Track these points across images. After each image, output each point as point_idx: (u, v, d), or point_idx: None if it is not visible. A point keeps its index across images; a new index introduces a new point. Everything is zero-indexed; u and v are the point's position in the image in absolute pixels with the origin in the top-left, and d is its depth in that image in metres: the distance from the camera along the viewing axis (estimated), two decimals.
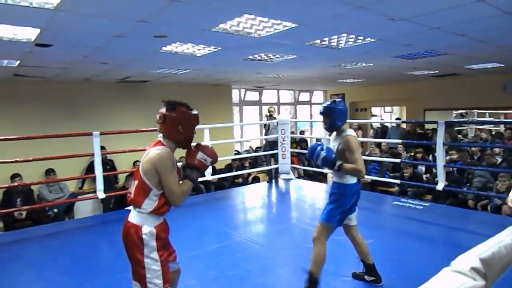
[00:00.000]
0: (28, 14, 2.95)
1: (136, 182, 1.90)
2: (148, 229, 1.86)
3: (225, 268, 3.20)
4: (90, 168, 6.32)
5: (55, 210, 6.08)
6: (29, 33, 3.55)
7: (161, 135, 1.95)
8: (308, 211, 5.31)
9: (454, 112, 11.27)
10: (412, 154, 7.40)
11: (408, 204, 5.23)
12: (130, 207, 1.95)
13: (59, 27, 3.37)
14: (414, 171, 6.79)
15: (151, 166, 1.83)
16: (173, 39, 4.06)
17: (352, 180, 2.65)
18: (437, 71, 7.87)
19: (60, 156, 4.96)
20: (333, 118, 2.65)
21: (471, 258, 0.46)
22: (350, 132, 2.67)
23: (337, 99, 2.80)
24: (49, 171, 6.51)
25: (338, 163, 2.52)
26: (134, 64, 5.65)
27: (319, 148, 2.59)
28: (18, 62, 5.01)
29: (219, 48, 4.59)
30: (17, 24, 3.26)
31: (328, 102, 2.72)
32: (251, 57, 5.42)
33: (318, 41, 4.39)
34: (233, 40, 4.12)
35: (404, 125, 10.77)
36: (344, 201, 2.64)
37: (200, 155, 1.98)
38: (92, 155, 4.91)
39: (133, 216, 1.90)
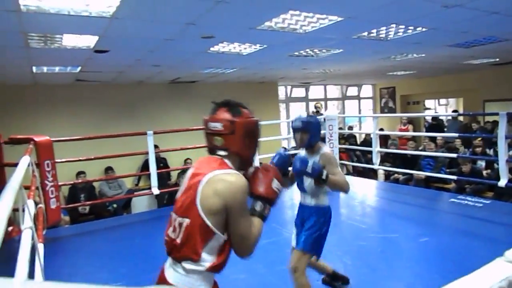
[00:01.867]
0: (88, 23, 3.19)
1: (187, 222, 1.24)
2: None
3: (274, 263, 3.24)
4: (145, 166, 6.68)
5: (115, 205, 6.50)
6: (88, 41, 3.83)
7: (222, 152, 1.36)
8: (357, 208, 5.20)
9: None
10: (472, 149, 6.97)
11: (466, 202, 4.95)
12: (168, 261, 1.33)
13: (115, 33, 3.60)
14: (473, 166, 6.39)
15: (220, 201, 1.21)
16: (220, 39, 4.17)
17: (327, 201, 2.45)
18: (497, 59, 7.33)
19: (118, 155, 5.29)
20: (312, 133, 2.39)
21: None
22: (327, 148, 2.50)
23: (311, 114, 2.61)
24: (108, 169, 6.96)
25: (325, 172, 2.20)
26: (184, 65, 5.87)
27: (302, 157, 2.28)
28: (79, 68, 5.41)
29: (265, 46, 4.64)
30: (79, 33, 3.53)
31: (304, 116, 2.46)
32: (296, 53, 5.41)
33: (365, 33, 4.28)
34: (279, 37, 4.14)
35: (461, 118, 10.17)
36: (323, 226, 2.39)
37: (275, 184, 1.40)
38: (147, 153, 5.18)
39: (178, 276, 1.25)
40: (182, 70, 6.44)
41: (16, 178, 1.67)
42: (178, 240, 1.25)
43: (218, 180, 1.24)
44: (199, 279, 1.24)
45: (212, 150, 1.39)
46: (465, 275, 2.89)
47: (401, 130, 9.33)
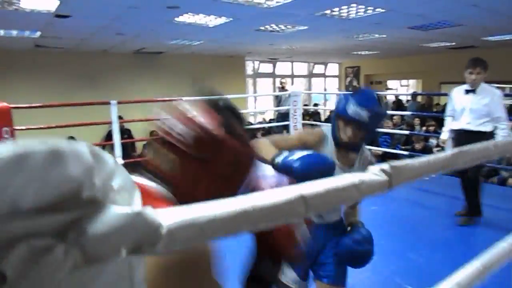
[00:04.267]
0: None
1: None
2: None
3: (244, 238, 3.43)
4: (109, 137, 6.62)
5: None
6: (49, 4, 3.73)
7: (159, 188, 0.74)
8: None
9: None
10: (424, 127, 7.43)
11: None
12: None
13: None
14: (425, 144, 6.84)
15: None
16: (185, 9, 4.17)
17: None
18: (453, 43, 7.73)
19: (81, 124, 5.23)
20: (371, 130, 1.51)
21: (385, 164, 0.61)
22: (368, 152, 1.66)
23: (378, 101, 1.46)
24: (70, 139, 6.84)
25: None
26: (149, 35, 5.79)
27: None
28: (39, 33, 5.22)
29: (231, 18, 4.68)
30: None
31: (374, 99, 1.44)
32: (262, 28, 5.49)
33: (328, 11, 4.42)
34: (244, 10, 4.20)
35: (420, 99, 10.69)
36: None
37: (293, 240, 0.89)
38: (110, 123, 5.15)
39: None
40: (147, 40, 6.35)
41: None
42: None
43: None
44: None
45: None
46: (407, 237, 3.21)
47: None
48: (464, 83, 3.45)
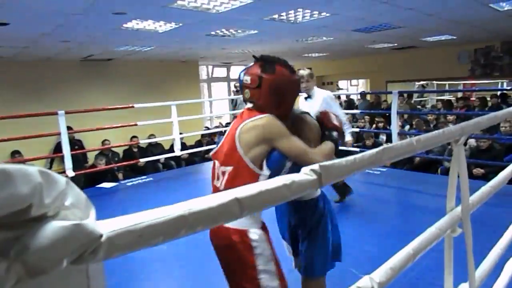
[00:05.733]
0: None
1: (230, 169, 1.41)
2: (257, 232, 1.40)
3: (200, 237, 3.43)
4: (58, 149, 6.32)
5: None
6: None
7: (250, 105, 1.49)
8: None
9: (416, 83, 11.81)
10: (374, 124, 7.81)
11: (367, 170, 5.61)
12: None
13: (14, 4, 3.37)
14: (375, 140, 7.19)
15: (256, 132, 1.38)
16: (133, 16, 4.11)
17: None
18: (396, 44, 8.20)
19: (26, 137, 4.97)
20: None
21: (316, 165, 0.67)
22: None
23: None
24: (15, 153, 6.47)
25: None
26: (96, 42, 5.62)
27: None
28: None
29: (180, 24, 4.67)
30: None
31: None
32: (213, 32, 5.52)
33: (276, 16, 4.55)
34: (193, 16, 4.21)
35: (369, 98, 11.21)
36: (321, 226, 1.74)
37: (336, 119, 1.67)
38: (59, 134, 4.94)
39: None
40: (95, 47, 6.15)
41: None
42: (222, 187, 1.42)
43: (250, 123, 1.41)
44: (248, 219, 1.38)
45: (245, 102, 1.50)
46: (356, 230, 3.35)
47: None
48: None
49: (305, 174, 0.65)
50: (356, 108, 10.19)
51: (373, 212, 3.92)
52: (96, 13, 3.81)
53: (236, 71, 11.87)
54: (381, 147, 0.84)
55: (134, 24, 4.50)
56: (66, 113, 4.91)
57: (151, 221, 0.45)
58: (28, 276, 0.36)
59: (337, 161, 0.71)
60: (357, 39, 6.92)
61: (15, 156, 6.44)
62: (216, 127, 10.20)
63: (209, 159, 7.85)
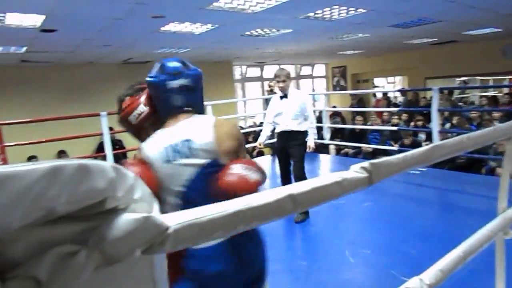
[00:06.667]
0: (33, 1, 3.14)
1: None
2: None
3: None
4: (100, 148, 6.62)
5: None
6: (34, 20, 3.74)
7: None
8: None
9: (457, 79, 11.30)
10: (413, 122, 7.56)
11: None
12: None
13: (62, 12, 3.56)
14: (414, 139, 6.96)
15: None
16: (171, 19, 4.22)
17: None
18: (435, 39, 7.90)
19: (71, 137, 5.22)
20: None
21: (365, 162, 0.67)
22: None
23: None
24: (61, 153, 6.82)
25: None
26: (136, 45, 5.82)
27: None
28: (25, 48, 5.21)
29: (216, 25, 4.74)
30: (23, 11, 3.45)
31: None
32: (248, 33, 5.56)
33: (311, 14, 4.51)
34: (229, 17, 4.26)
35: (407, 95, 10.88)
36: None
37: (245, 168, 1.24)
38: (101, 134, 5.16)
39: None
40: (134, 50, 6.37)
41: None
42: None
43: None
44: None
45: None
46: (395, 231, 3.29)
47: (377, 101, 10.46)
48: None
49: (355, 172, 0.65)
50: (396, 106, 9.92)
51: (412, 212, 3.80)
52: (136, 17, 3.95)
53: (270, 71, 11.89)
54: (431, 145, 0.82)
55: (171, 26, 4.62)
56: (108, 114, 5.11)
57: (213, 215, 0.46)
58: (105, 264, 0.39)
59: (387, 158, 0.71)
60: (394, 35, 6.73)
61: (61, 155, 6.79)
62: (250, 126, 10.28)
63: None
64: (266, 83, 11.25)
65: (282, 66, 3.95)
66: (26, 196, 0.32)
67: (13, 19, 3.66)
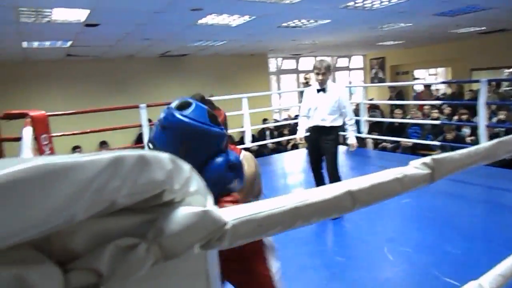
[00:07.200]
0: None
1: None
2: None
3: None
4: (139, 139, 6.81)
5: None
6: (79, 15, 3.88)
7: None
8: (348, 175, 5.45)
9: (506, 70, 10.62)
10: (456, 116, 7.21)
11: None
12: None
13: (105, 6, 3.66)
14: (457, 133, 6.63)
15: None
16: (209, 11, 4.23)
17: None
18: (483, 28, 7.44)
19: (113, 128, 5.41)
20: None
21: (426, 158, 0.62)
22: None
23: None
24: (103, 143, 7.09)
25: None
26: (174, 38, 5.91)
27: None
28: (70, 42, 5.43)
29: (253, 17, 4.71)
30: (69, 6, 3.58)
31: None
32: (285, 24, 5.48)
33: (351, 3, 4.37)
34: (266, 8, 4.22)
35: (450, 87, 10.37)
36: None
37: None
38: (141, 126, 5.30)
39: None
40: (172, 43, 6.48)
41: (27, 147, 1.81)
42: None
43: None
44: None
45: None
46: (443, 229, 3.15)
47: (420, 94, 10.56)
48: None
49: (416, 168, 0.60)
50: (439, 99, 9.48)
51: (455, 211, 3.62)
52: (175, 10, 3.99)
53: (305, 63, 11.72)
54: (495, 140, 0.76)
55: (209, 19, 4.64)
56: (147, 106, 5.24)
57: (270, 211, 0.44)
58: (163, 258, 0.38)
59: (450, 154, 0.65)
60: (439, 24, 6.40)
61: (103, 146, 7.06)
62: (285, 119, 10.20)
63: (278, 151, 7.89)
64: (301, 76, 11.12)
65: (322, 58, 3.81)
66: (90, 187, 0.31)
67: (59, 14, 3.81)
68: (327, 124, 3.56)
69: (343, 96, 3.59)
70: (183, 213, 0.39)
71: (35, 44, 5.34)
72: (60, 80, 7.34)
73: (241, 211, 0.44)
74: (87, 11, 3.75)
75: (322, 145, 3.60)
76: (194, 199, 0.42)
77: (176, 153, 1.08)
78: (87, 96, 7.50)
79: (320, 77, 3.49)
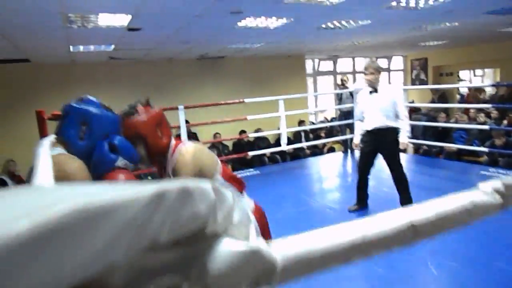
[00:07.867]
0: (122, 1, 3.34)
1: None
2: None
3: (304, 230, 3.41)
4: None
5: (149, 178, 6.85)
6: (122, 19, 4.00)
7: None
8: (385, 180, 5.25)
9: None
10: (505, 120, 6.77)
11: (497, 174, 4.89)
12: None
13: (147, 11, 3.75)
14: (507, 139, 6.22)
15: None
16: (248, 14, 4.23)
17: None
18: None
19: None
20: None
21: (496, 182, 0.55)
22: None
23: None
24: None
25: None
26: (212, 41, 5.97)
27: None
28: (113, 46, 5.63)
29: (292, 19, 4.65)
30: (113, 12, 3.70)
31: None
32: (324, 25, 5.38)
33: (394, 3, 4.21)
34: (305, 9, 4.15)
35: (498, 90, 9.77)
36: None
37: None
38: (178, 127, 5.40)
39: None
40: (211, 46, 6.54)
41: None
42: None
43: None
44: None
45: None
46: (493, 243, 2.94)
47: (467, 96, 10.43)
48: None
49: (486, 194, 0.53)
50: (485, 102, 8.96)
51: (506, 222, 3.37)
52: (215, 13, 4.01)
53: (343, 64, 11.48)
54: None
55: (247, 22, 4.64)
56: (185, 108, 5.33)
57: (324, 248, 0.40)
58: None
59: None
60: (488, 22, 6.04)
61: None
62: (321, 121, 10.04)
63: (314, 154, 7.77)
64: (338, 77, 10.90)
65: (372, 59, 3.76)
66: (131, 228, 0.28)
67: (104, 19, 3.94)
68: (383, 125, 3.49)
69: (396, 97, 3.53)
70: (229, 250, 0.36)
71: (81, 48, 5.58)
72: (103, 82, 7.64)
73: (292, 245, 0.39)
74: (130, 16, 3.86)
75: (381, 150, 3.54)
76: (236, 230, 0.39)
77: (77, 134, 1.30)
78: (128, 98, 7.69)
79: (368, 77, 3.45)
